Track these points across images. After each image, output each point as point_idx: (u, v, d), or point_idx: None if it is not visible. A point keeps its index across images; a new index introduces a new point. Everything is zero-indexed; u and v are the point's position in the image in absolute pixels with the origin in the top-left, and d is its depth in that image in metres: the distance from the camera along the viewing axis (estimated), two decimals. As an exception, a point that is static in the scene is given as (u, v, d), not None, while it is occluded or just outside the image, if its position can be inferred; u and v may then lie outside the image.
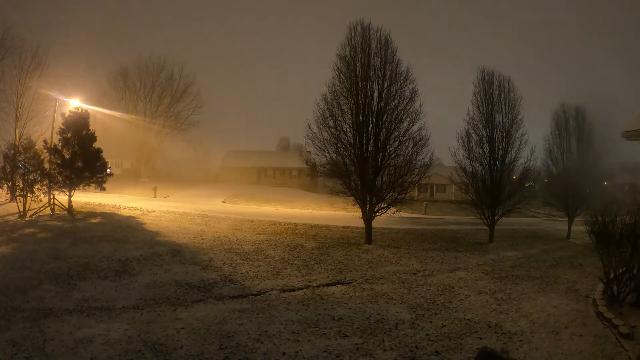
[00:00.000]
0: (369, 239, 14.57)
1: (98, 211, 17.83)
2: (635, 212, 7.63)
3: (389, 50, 14.44)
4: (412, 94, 14.41)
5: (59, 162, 16.66)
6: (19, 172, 16.50)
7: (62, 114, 17.79)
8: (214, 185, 42.66)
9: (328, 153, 14.90)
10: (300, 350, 5.57)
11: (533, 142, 17.64)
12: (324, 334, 6.21)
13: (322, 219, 20.89)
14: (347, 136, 14.52)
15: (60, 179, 16.55)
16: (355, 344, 5.85)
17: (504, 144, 16.90)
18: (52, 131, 18.76)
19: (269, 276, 9.70)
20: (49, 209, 16.25)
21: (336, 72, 14.62)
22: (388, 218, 15.58)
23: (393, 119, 14.35)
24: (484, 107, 16.97)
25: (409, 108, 14.43)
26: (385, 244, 14.72)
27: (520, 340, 6.04)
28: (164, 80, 46.09)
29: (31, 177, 16.11)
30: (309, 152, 16.58)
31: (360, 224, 15.23)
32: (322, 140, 14.72)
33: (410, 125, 14.44)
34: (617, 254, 7.55)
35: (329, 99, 14.68)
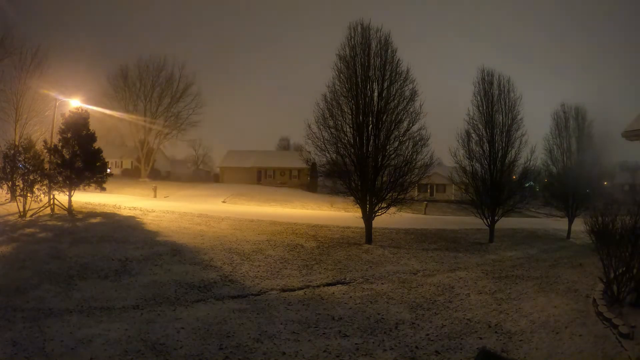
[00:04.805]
0: (369, 239, 14.57)
1: (98, 211, 17.83)
2: (635, 212, 7.62)
3: (389, 51, 14.45)
4: (412, 94, 14.42)
5: (59, 162, 16.67)
6: (19, 172, 16.50)
7: (62, 114, 17.81)
8: (213, 185, 42.67)
9: (328, 153, 14.93)
10: (300, 350, 5.57)
11: (533, 142, 17.69)
12: (324, 334, 6.21)
13: (322, 219, 20.88)
14: (347, 136, 14.53)
15: (60, 179, 16.56)
16: (355, 343, 5.85)
17: (504, 144, 16.91)
18: (52, 131, 18.78)
19: (269, 276, 9.69)
20: (49, 209, 16.25)
21: (336, 72, 14.66)
22: (388, 218, 15.58)
23: (393, 119, 14.35)
24: (484, 107, 16.99)
25: (409, 108, 14.45)
26: (385, 244, 14.72)
27: (520, 340, 6.04)
28: (164, 80, 46.15)
29: (31, 177, 16.11)
30: (309, 152, 16.58)
31: (360, 224, 15.22)
32: (322, 140, 14.74)
33: (410, 125, 14.47)
34: (617, 254, 7.54)
35: (329, 99, 14.71)
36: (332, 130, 14.62)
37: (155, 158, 48.39)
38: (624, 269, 7.41)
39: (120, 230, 13.85)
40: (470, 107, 17.12)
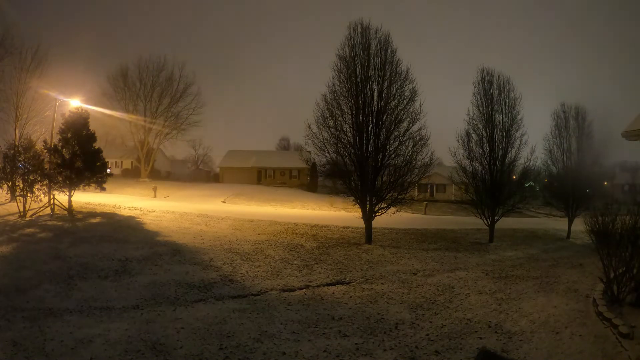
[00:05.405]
0: (369, 239, 14.56)
1: (98, 211, 17.84)
2: (635, 212, 7.62)
3: (389, 50, 14.46)
4: (411, 93, 14.43)
5: (59, 162, 16.68)
6: (19, 172, 16.51)
7: (62, 114, 17.82)
8: (214, 185, 42.68)
9: (328, 153, 14.95)
10: (300, 350, 5.57)
11: (533, 142, 17.70)
12: (324, 333, 6.21)
13: (322, 219, 20.88)
14: (347, 136, 14.54)
15: (60, 179, 16.56)
16: (355, 343, 5.84)
17: (503, 144, 16.92)
18: (52, 131, 18.79)
19: (269, 276, 9.69)
20: (49, 209, 16.25)
21: (336, 72, 14.67)
22: (388, 218, 15.58)
23: (393, 119, 14.35)
24: (484, 107, 17.00)
25: (409, 108, 14.46)
26: (385, 243, 14.72)
27: (520, 340, 6.04)
28: (164, 80, 46.01)
29: (31, 177, 16.11)
30: (309, 152, 16.61)
31: (360, 224, 15.22)
32: (322, 140, 14.75)
33: (410, 125, 14.47)
34: (617, 254, 7.54)
35: (329, 99, 14.71)
36: (332, 130, 14.63)
37: (155, 158, 48.33)
38: (624, 269, 7.40)
39: (121, 230, 13.85)
40: (470, 107, 17.17)
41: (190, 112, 47.12)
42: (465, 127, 17.08)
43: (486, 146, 16.86)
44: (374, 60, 14.39)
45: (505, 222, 18.99)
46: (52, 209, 16.38)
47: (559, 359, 5.42)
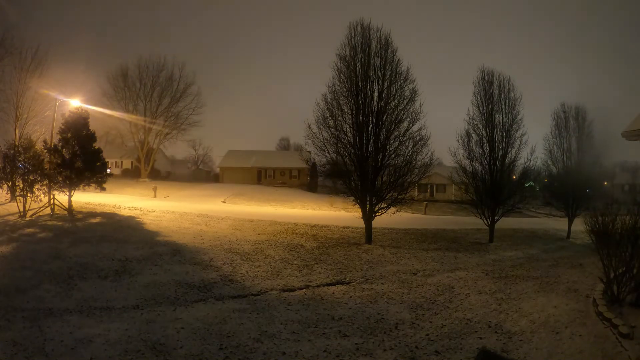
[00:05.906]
0: (369, 239, 14.56)
1: (98, 211, 17.84)
2: (635, 212, 7.61)
3: (389, 50, 14.46)
4: (412, 94, 14.43)
5: (59, 162, 16.68)
6: (19, 172, 16.50)
7: (62, 114, 17.84)
8: (214, 185, 42.70)
9: (328, 153, 14.95)
10: (300, 350, 5.57)
11: (533, 142, 17.71)
12: (324, 333, 6.21)
13: (322, 219, 20.88)
14: (347, 136, 14.54)
15: (60, 179, 16.57)
16: (355, 343, 5.84)
17: (504, 144, 16.92)
18: (52, 131, 18.79)
19: (269, 276, 9.69)
20: (49, 209, 16.25)
21: (336, 72, 14.66)
22: (388, 218, 15.58)
23: (393, 119, 14.35)
24: (484, 107, 17.00)
25: (409, 108, 14.46)
26: (385, 243, 14.71)
27: (520, 340, 6.04)
28: (164, 80, 46.01)
29: (31, 177, 16.10)
30: (309, 152, 16.62)
31: (360, 224, 15.22)
32: (322, 140, 14.75)
33: (410, 125, 14.48)
34: (617, 254, 7.54)
35: (329, 99, 14.72)
36: (332, 130, 14.64)
37: (155, 158, 48.32)
38: (624, 269, 7.40)
39: (120, 230, 13.85)
40: (470, 107, 17.18)
41: (190, 112, 47.16)
42: (466, 127, 17.12)
43: (486, 146, 16.86)
44: (374, 60, 14.39)
45: (505, 222, 18.99)
46: (52, 209, 16.38)
47: (559, 359, 5.42)
